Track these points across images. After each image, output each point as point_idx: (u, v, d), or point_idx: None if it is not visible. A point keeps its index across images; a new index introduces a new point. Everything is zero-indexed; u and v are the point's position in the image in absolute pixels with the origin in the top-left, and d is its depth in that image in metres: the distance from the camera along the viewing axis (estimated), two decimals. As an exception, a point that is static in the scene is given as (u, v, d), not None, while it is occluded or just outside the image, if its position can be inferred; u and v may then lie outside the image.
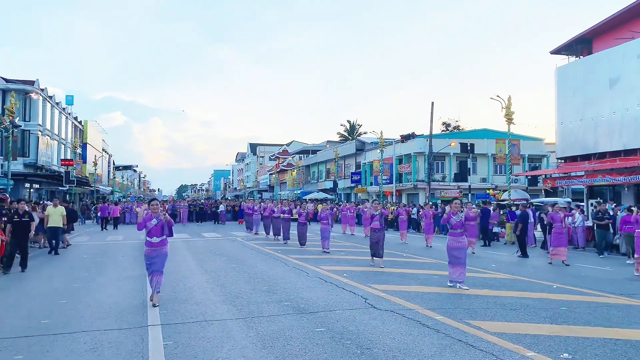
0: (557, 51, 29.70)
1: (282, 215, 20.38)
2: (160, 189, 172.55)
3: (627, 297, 8.98)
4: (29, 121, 41.12)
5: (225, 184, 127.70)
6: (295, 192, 65.96)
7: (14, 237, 12.10)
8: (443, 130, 65.67)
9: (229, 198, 72.49)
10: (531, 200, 27.54)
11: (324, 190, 58.27)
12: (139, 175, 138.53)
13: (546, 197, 32.35)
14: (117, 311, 7.88)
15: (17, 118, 28.53)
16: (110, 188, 76.20)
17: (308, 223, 27.91)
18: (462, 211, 10.46)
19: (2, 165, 26.41)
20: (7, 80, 40.28)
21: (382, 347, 5.85)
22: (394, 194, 43.28)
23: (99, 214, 34.50)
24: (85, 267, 13.21)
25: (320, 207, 23.43)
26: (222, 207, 35.35)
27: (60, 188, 43.72)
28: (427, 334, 6.39)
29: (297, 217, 19.15)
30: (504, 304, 8.14)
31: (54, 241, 15.92)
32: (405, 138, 42.19)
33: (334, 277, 10.84)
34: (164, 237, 8.51)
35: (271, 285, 10.08)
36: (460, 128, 65.67)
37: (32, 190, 42.50)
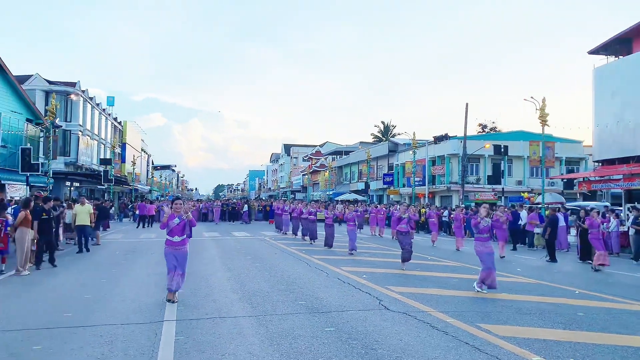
0: (595, 51, 28.90)
1: (309, 216, 20.56)
2: (197, 189, 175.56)
3: (651, 304, 8.74)
4: (70, 121, 42.59)
5: (260, 184, 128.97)
6: (328, 193, 66.12)
7: (41, 234, 12.35)
8: (479, 132, 64.73)
9: (263, 198, 73.31)
10: (567, 204, 26.88)
11: (356, 192, 58.16)
12: (177, 175, 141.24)
13: (584, 200, 31.51)
14: (137, 306, 8.14)
15: (58, 119, 29.56)
16: (149, 187, 78.08)
17: (339, 224, 28.07)
18: (490, 216, 10.40)
19: (43, 164, 27.38)
20: (50, 82, 41.79)
21: (387, 347, 5.89)
22: (427, 195, 42.89)
23: (136, 212, 35.51)
24: (115, 263, 13.62)
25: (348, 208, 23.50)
26: (245, 207, 35.92)
27: (99, 187, 45.05)
28: (435, 336, 6.39)
29: (324, 218, 19.25)
30: (519, 308, 8.04)
31: (82, 239, 16.20)
32: (438, 139, 41.77)
33: (352, 278, 10.89)
34: (185, 236, 8.58)
35: (289, 284, 10.21)
36: (497, 130, 64.66)
37: (72, 188, 43.96)
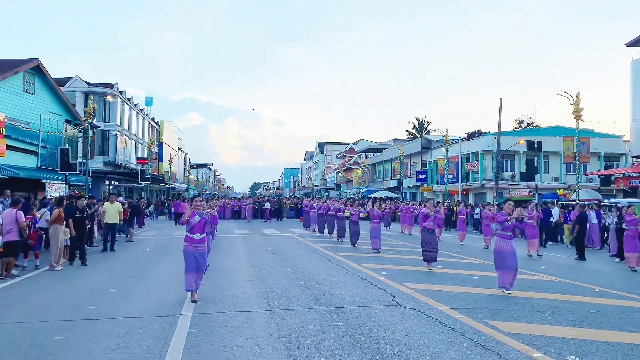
0: (633, 43, 28.04)
1: (336, 213, 20.66)
2: (232, 186, 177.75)
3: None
4: (109, 122, 43.93)
5: (295, 182, 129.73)
6: (361, 190, 66.05)
7: (76, 232, 12.71)
8: (516, 128, 63.42)
9: (298, 196, 73.79)
10: (605, 201, 26.15)
11: (390, 189, 57.92)
12: (214, 173, 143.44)
13: (625, 197, 30.58)
14: (159, 300, 8.48)
15: (95, 120, 30.62)
16: (185, 185, 79.66)
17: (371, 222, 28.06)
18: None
19: (81, 163, 28.41)
20: (89, 84, 43.19)
21: (391, 342, 6.00)
22: (460, 193, 42.40)
23: (172, 210, 36.48)
24: (145, 260, 14.09)
25: (381, 206, 23.47)
26: (267, 205, 36.57)
27: (136, 185, 46.27)
28: (441, 331, 6.46)
29: (349, 215, 19.28)
30: (532, 306, 8.01)
31: (109, 237, 16.01)
32: (471, 136, 41.25)
33: (371, 275, 11.00)
34: (205, 234, 8.57)
35: (308, 280, 10.40)
36: (534, 125, 63.20)
37: (110, 187, 45.34)
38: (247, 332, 6.48)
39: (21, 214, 10.53)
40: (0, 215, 10.90)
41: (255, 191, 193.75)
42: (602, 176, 31.00)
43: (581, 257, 15.16)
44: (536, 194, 31.52)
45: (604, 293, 9.37)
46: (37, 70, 25.86)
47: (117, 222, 16.39)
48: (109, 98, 39.51)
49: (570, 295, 8.96)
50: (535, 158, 33.64)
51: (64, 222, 12.12)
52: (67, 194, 18.25)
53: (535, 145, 29.88)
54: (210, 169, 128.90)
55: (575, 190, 27.72)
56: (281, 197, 54.17)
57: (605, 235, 18.98)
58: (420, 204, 31.41)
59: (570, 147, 26.32)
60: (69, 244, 13.26)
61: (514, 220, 9.72)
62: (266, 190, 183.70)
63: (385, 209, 23.52)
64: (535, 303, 8.22)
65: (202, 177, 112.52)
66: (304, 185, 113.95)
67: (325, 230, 22.24)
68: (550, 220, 21.30)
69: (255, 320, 7.10)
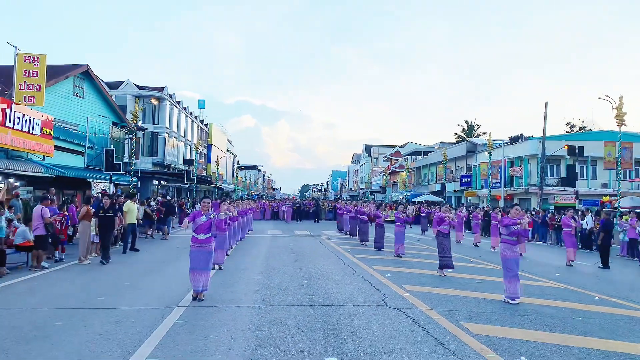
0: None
1: (361, 216, 20.83)
2: (280, 188, 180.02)
3: (670, 313, 8.36)
4: (158, 124, 45.77)
5: (342, 184, 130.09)
6: (405, 194, 65.67)
7: (100, 230, 13.15)
8: (567, 132, 61.56)
9: (345, 199, 74.02)
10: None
11: (434, 193, 57.33)
12: (263, 174, 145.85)
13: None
14: (163, 294, 9.06)
15: (140, 122, 31.98)
16: (233, 186, 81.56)
17: (409, 226, 27.99)
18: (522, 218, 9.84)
19: (127, 163, 29.86)
20: (140, 87, 45.15)
21: (357, 338, 6.29)
22: (503, 197, 41.59)
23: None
24: (169, 257, 14.81)
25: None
26: (283, 207, 38.16)
27: (182, 185, 47.87)
28: (411, 330, 6.68)
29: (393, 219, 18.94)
30: (517, 310, 8.07)
31: (130, 237, 15.87)
32: (514, 140, 40.38)
33: (376, 277, 11.23)
34: (211, 235, 8.78)
35: (311, 279, 10.76)
36: (587, 129, 61.09)
37: (159, 187, 47.17)
38: (229, 324, 6.91)
39: (46, 210, 11.42)
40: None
41: (305, 193, 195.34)
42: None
43: (605, 265, 14.80)
44: (577, 201, 30.55)
45: (603, 301, 9.25)
46: (87, 75, 27.39)
47: (135, 222, 16.30)
48: (154, 101, 41.20)
49: (563, 302, 8.91)
50: (576, 164, 32.61)
51: (92, 219, 12.95)
52: (98, 193, 19.26)
53: (577, 151, 28.98)
54: (259, 170, 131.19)
55: (617, 198, 26.77)
56: (319, 200, 54.53)
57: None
58: (462, 209, 31.11)
59: (612, 152, 25.41)
60: (99, 240, 14.16)
61: (520, 227, 9.40)
62: (315, 192, 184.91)
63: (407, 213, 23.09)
64: (522, 308, 8.26)
65: (251, 178, 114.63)
66: (351, 188, 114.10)
67: (357, 233, 22.42)
68: (585, 227, 20.79)
69: (241, 314, 7.52)
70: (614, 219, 21.88)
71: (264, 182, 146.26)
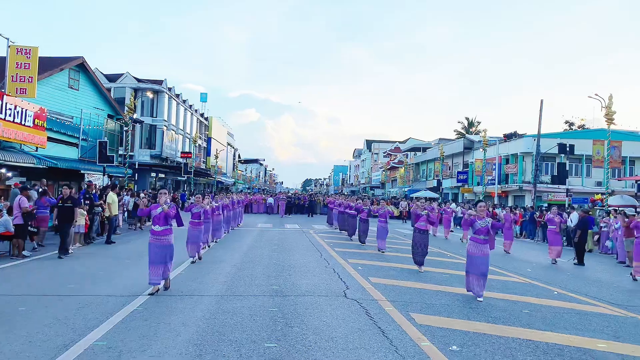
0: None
1: (349, 210, 21.06)
2: (282, 182, 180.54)
3: (622, 308, 8.58)
4: (156, 117, 46.08)
5: (343, 179, 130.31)
6: (404, 189, 65.87)
7: (58, 222, 12.52)
8: (565, 129, 61.51)
9: (345, 193, 74.21)
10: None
11: (432, 189, 57.52)
12: (265, 168, 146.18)
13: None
14: (132, 283, 9.30)
15: (138, 114, 32.32)
16: (233, 179, 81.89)
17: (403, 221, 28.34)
18: (488, 216, 9.88)
19: (122, 155, 30.17)
20: (138, 80, 45.43)
21: (304, 326, 6.55)
22: (497, 194, 41.76)
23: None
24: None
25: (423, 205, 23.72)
26: (271, 200, 39.57)
27: (180, 178, 48.19)
28: (358, 320, 6.94)
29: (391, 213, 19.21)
30: (470, 303, 8.32)
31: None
32: (508, 137, 40.48)
33: (346, 269, 11.50)
34: (169, 226, 8.71)
35: (282, 271, 11.02)
36: (586, 127, 61.02)
37: (157, 179, 47.53)
38: (185, 312, 7.18)
39: (24, 199, 11.71)
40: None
41: (307, 187, 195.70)
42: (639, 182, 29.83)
43: (580, 262, 15.00)
44: (567, 198, 30.68)
45: (561, 296, 9.49)
46: (82, 67, 27.66)
47: (116, 214, 16.63)
48: (149, 94, 41.52)
49: (519, 296, 9.15)
50: (568, 162, 32.79)
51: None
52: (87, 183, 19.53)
53: (568, 149, 29.13)
54: (261, 164, 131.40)
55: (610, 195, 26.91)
56: (314, 194, 54.74)
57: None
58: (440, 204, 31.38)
59: (601, 151, 25.53)
60: (84, 230, 14.49)
61: (490, 223, 9.27)
62: (317, 186, 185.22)
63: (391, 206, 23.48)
64: (476, 301, 8.48)
65: (252, 172, 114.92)
66: (352, 183, 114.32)
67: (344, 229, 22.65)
68: (569, 225, 20.96)
69: (201, 303, 7.79)
70: (599, 217, 22.07)
71: (265, 176, 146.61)
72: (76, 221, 13.19)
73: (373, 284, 9.66)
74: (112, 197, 16.02)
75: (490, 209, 27.10)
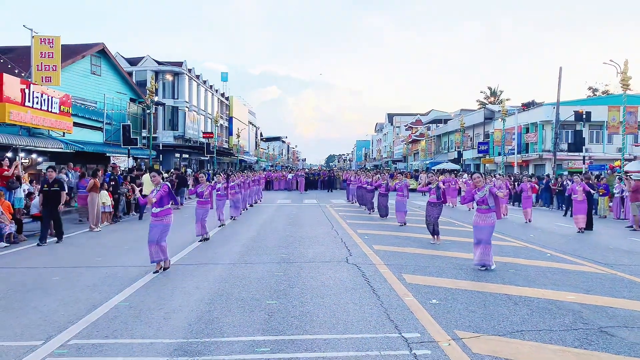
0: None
1: (366, 185, 21.62)
2: (305, 159, 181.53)
3: (607, 267, 9.10)
4: (178, 99, 47.09)
5: (366, 154, 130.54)
6: (426, 162, 66.02)
7: (44, 206, 12.01)
8: (589, 96, 60.58)
9: (369, 168, 74.67)
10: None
11: (453, 161, 57.60)
12: (288, 145, 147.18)
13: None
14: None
15: (159, 96, 33.24)
16: (256, 158, 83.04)
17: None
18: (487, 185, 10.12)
19: (146, 138, 31.23)
20: (159, 63, 46.33)
21: (304, 287, 7.30)
22: (517, 164, 41.83)
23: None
24: (176, 225, 15.95)
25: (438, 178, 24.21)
26: (290, 176, 39.85)
27: (202, 158, 49.32)
28: (354, 280, 7.66)
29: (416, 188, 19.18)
30: (461, 265, 8.95)
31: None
32: (527, 106, 40.29)
33: (353, 238, 12.23)
34: (165, 207, 8.79)
35: (293, 242, 11.81)
36: (609, 93, 60.00)
37: (180, 159, 48.77)
38: (199, 278, 8.01)
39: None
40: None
41: (330, 163, 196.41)
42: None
43: (588, 227, 15.37)
44: (583, 166, 30.72)
45: (553, 257, 10.05)
46: (103, 53, 28.63)
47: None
48: (168, 77, 42.44)
49: (511, 258, 9.74)
50: (584, 129, 32.70)
51: (99, 190, 14.19)
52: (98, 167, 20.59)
53: (584, 116, 29.08)
54: (283, 141, 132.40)
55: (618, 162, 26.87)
56: (334, 170, 55.29)
57: None
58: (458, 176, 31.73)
59: (617, 117, 25.50)
60: (111, 210, 15.52)
61: (487, 192, 9.15)
62: (340, 162, 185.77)
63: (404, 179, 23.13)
64: (467, 264, 9.08)
65: (274, 149, 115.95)
66: (374, 157, 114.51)
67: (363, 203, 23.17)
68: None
69: (215, 270, 8.61)
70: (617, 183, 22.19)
71: (288, 153, 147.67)
72: (63, 204, 12.42)
73: (375, 251, 10.36)
74: (146, 177, 17.69)
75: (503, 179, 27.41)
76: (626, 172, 24.65)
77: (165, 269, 8.59)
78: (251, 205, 22.69)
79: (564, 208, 21.52)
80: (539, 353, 4.72)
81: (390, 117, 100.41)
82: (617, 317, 5.87)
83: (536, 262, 9.37)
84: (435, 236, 11.97)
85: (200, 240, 11.91)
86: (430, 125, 77.44)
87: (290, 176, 40.47)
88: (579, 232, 14.80)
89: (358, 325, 5.52)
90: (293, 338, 5.12)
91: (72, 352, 4.80)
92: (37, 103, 19.57)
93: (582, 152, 30.51)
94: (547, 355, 4.66)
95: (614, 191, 20.31)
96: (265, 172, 42.16)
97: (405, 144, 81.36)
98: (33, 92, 19.30)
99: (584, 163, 30.20)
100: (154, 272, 8.36)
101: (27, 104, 18.91)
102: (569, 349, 4.83)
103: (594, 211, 21.22)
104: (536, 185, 24.50)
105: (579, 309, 6.17)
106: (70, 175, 18.53)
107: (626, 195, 18.16)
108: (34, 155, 21.07)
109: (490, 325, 5.52)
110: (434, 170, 47.34)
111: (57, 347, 4.91)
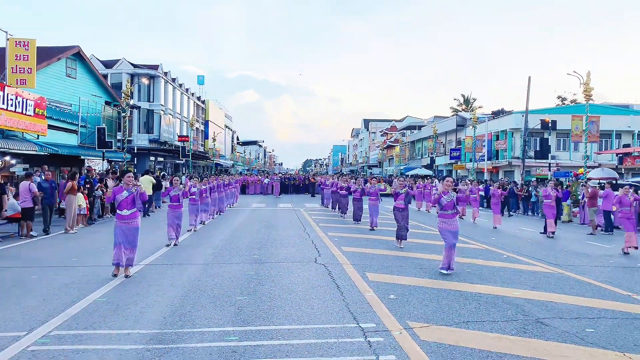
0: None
1: (340, 190, 22.13)
2: (282, 163, 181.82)
3: (557, 267, 9.79)
4: (153, 102, 47.08)
5: (342, 159, 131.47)
6: (400, 168, 67.00)
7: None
8: (557, 105, 62.39)
9: (345, 173, 75.34)
10: (631, 181, 26.31)
11: (426, 167, 58.67)
12: (264, 150, 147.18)
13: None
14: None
15: (135, 99, 33.32)
16: (232, 162, 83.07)
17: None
18: (455, 190, 10.63)
19: (120, 141, 31.27)
20: (134, 66, 46.26)
21: (274, 284, 7.78)
22: (487, 171, 42.97)
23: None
24: (150, 227, 16.29)
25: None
26: (266, 180, 40.47)
27: (177, 161, 49.32)
28: (321, 278, 8.17)
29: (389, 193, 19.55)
30: (421, 265, 9.56)
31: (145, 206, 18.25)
32: (496, 114, 41.45)
33: (323, 241, 12.75)
34: (135, 209, 8.65)
35: (265, 244, 12.26)
36: (577, 102, 61.90)
37: (155, 162, 48.70)
38: (174, 276, 8.41)
39: (33, 185, 12.89)
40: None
41: (307, 168, 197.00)
42: (620, 155, 30.97)
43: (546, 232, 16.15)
44: (549, 173, 31.86)
45: (509, 259, 10.74)
46: (78, 56, 28.66)
47: (151, 193, 19.25)
48: (144, 80, 42.48)
49: (469, 259, 10.39)
50: (554, 137, 33.92)
51: (77, 193, 14.43)
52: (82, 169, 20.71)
53: (550, 124, 30.24)
54: (260, 145, 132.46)
55: (592, 169, 28.03)
56: (315, 174, 55.94)
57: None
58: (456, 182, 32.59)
59: (580, 125, 26.60)
60: (85, 212, 15.73)
61: (455, 197, 9.54)
62: (316, 167, 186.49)
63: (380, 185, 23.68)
64: (429, 264, 9.70)
65: (251, 154, 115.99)
66: (350, 162, 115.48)
67: (337, 207, 23.63)
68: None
69: (189, 269, 9.02)
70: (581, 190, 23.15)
71: (265, 157, 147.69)
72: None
73: (343, 252, 10.90)
74: (143, 179, 18.81)
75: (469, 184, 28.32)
76: (588, 179, 25.69)
77: (127, 276, 8.36)
78: (227, 207, 23.03)
79: (530, 213, 22.35)
80: (480, 339, 5.29)
81: (367, 122, 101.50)
82: (554, 310, 6.50)
83: (492, 263, 10.02)
84: (400, 240, 12.27)
85: (168, 245, 11.62)
86: (405, 131, 78.65)
87: (266, 181, 40.84)
88: (550, 236, 15.10)
89: (320, 317, 6.03)
90: (260, 328, 5.60)
91: (54, 341, 5.19)
92: (11, 105, 19.60)
93: (547, 159, 31.59)
94: (486, 342, 5.22)
95: (579, 197, 21.26)
96: (241, 176, 42.40)
97: (381, 149, 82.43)
98: (7, 94, 19.35)
99: (549, 170, 31.31)
100: (113, 275, 8.31)
101: (1, 106, 18.96)
102: (506, 336, 5.42)
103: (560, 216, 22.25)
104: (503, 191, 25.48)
105: (522, 303, 6.79)
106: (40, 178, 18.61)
107: (584, 202, 19.07)
108: (7, 158, 21.07)
109: (440, 317, 6.08)
110: (406, 175, 48.32)
111: (39, 337, 5.29)
